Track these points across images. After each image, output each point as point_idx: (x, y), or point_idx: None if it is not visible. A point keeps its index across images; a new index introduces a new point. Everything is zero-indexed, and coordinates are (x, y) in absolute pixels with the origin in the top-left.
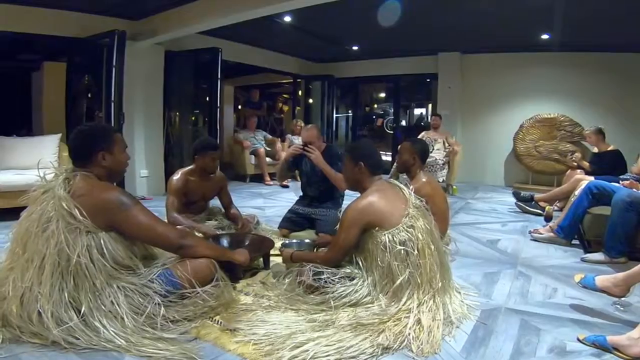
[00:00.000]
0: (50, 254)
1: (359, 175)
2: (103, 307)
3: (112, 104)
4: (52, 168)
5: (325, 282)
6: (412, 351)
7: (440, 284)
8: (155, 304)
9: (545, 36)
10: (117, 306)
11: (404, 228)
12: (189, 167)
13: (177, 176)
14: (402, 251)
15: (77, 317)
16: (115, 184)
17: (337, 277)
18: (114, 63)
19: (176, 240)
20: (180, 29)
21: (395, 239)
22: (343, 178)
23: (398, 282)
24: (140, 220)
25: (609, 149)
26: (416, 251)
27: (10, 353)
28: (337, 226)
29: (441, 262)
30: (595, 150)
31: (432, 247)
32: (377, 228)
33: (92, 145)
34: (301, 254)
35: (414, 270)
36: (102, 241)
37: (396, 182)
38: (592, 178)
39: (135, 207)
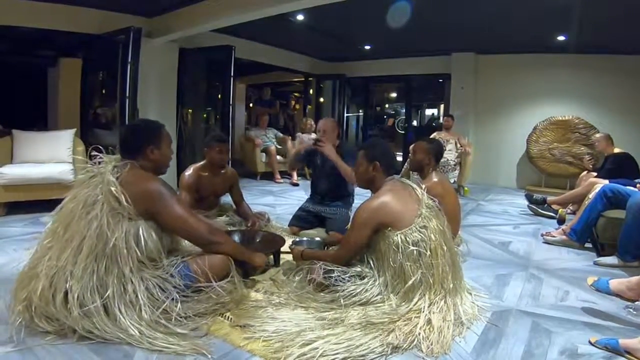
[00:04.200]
0: (90, 235)
1: (372, 174)
2: (125, 295)
3: (127, 100)
4: (101, 156)
5: (336, 280)
6: (421, 351)
7: (451, 285)
8: (172, 299)
9: (561, 37)
10: (137, 296)
11: (416, 228)
12: (201, 163)
13: (188, 172)
14: (415, 252)
15: (100, 301)
16: None
17: (347, 275)
18: (129, 60)
19: (206, 236)
20: (194, 26)
21: (407, 239)
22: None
23: (410, 282)
24: (177, 212)
25: (614, 151)
26: (429, 252)
27: (23, 346)
28: (349, 225)
29: (453, 262)
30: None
31: (445, 247)
32: (389, 228)
33: (142, 140)
34: (312, 252)
35: (426, 271)
36: (140, 229)
37: (408, 181)
38: (606, 181)
39: (173, 198)
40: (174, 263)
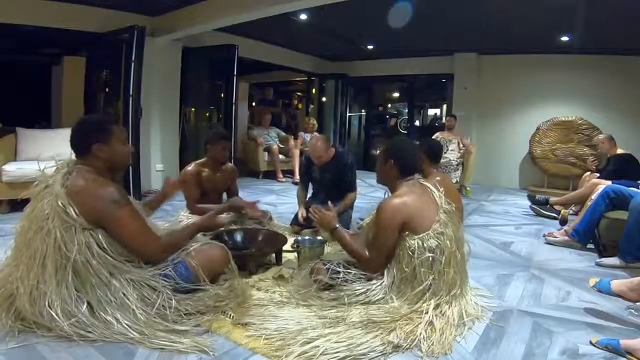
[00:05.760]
0: (50, 252)
1: (387, 172)
2: (114, 301)
3: (131, 99)
4: (54, 162)
5: (342, 281)
6: (421, 351)
7: (459, 292)
8: (166, 296)
9: (565, 38)
10: (127, 299)
11: (434, 235)
12: (202, 160)
13: (190, 167)
14: (430, 258)
15: (89, 311)
16: (128, 179)
17: (352, 276)
18: (133, 58)
19: (161, 248)
20: (198, 25)
21: (425, 245)
22: (353, 198)
23: (420, 288)
24: (126, 224)
25: (618, 152)
26: (443, 259)
27: (26, 342)
28: (370, 232)
29: (462, 268)
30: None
31: (459, 255)
32: (407, 232)
33: (87, 137)
34: (344, 236)
35: (438, 278)
36: (100, 236)
37: (428, 184)
38: (609, 182)
39: (124, 209)
40: (168, 263)
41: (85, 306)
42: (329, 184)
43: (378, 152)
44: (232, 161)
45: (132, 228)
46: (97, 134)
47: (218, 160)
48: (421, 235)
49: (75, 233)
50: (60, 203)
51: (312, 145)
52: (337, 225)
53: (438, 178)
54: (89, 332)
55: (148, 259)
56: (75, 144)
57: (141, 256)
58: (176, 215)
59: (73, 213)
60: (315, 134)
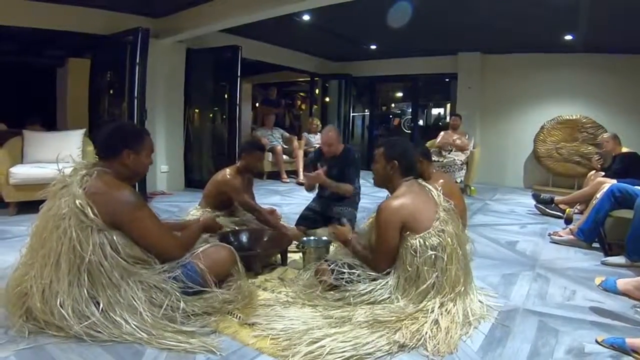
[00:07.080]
0: (64, 251)
1: (390, 173)
2: (122, 301)
3: (135, 101)
4: (72, 163)
5: (347, 281)
6: (427, 350)
7: (462, 289)
8: (173, 298)
9: (568, 37)
10: (136, 300)
11: (435, 232)
12: (235, 166)
13: (231, 174)
14: (432, 256)
15: (98, 311)
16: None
17: (356, 275)
18: (138, 60)
19: (179, 245)
20: (201, 26)
21: (426, 243)
22: (349, 188)
23: (424, 287)
24: (146, 224)
25: (622, 151)
26: (445, 256)
27: (35, 343)
28: (372, 234)
29: (465, 266)
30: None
31: (460, 252)
32: (408, 232)
33: (121, 141)
34: (356, 246)
35: (441, 275)
36: (114, 238)
37: (425, 183)
38: (614, 181)
39: (143, 210)
40: (174, 264)
41: (95, 306)
42: (334, 179)
43: (376, 152)
44: None
45: (152, 228)
46: (131, 141)
47: (252, 169)
48: (422, 234)
49: (90, 233)
50: (78, 203)
51: (324, 133)
52: (350, 237)
53: (441, 180)
54: (98, 331)
55: (167, 257)
56: (106, 144)
57: (160, 255)
58: (182, 216)
59: (90, 213)
60: (318, 134)
